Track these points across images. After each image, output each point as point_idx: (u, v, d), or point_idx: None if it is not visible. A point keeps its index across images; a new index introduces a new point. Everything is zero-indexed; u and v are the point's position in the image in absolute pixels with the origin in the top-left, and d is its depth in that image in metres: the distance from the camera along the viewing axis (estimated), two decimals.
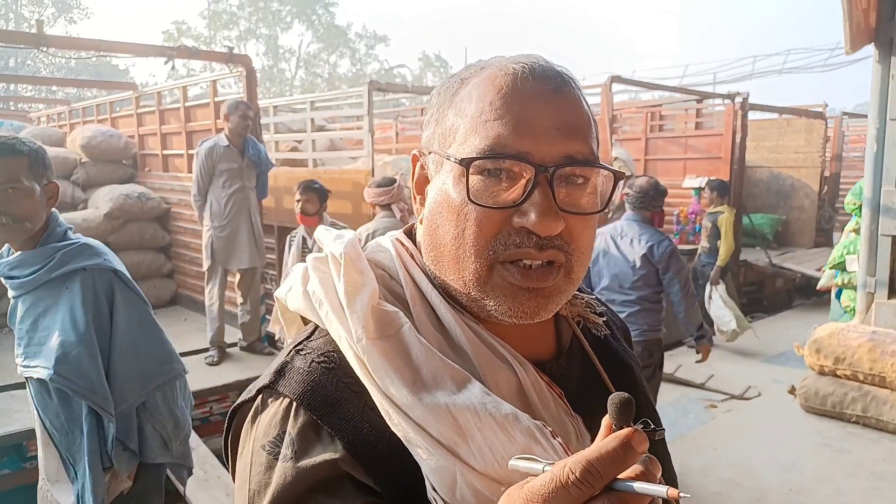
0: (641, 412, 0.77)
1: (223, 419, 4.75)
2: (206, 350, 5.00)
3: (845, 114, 11.68)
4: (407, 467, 0.61)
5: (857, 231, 5.05)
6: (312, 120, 6.50)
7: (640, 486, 0.45)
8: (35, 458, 3.74)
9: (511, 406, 0.62)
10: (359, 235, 3.90)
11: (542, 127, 0.64)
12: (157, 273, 6.59)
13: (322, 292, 0.69)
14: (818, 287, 6.07)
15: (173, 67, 5.43)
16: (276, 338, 5.40)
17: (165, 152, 6.57)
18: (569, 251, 0.66)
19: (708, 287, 6.36)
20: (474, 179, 0.65)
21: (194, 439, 3.71)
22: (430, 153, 0.72)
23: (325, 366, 0.66)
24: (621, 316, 3.24)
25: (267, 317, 5.60)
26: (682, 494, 0.44)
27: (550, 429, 0.62)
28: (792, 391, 4.71)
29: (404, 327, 0.66)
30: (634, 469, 0.46)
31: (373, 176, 5.27)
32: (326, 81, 34.71)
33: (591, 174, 0.67)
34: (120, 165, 6.99)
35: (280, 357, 0.70)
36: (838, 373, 4.33)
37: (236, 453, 0.70)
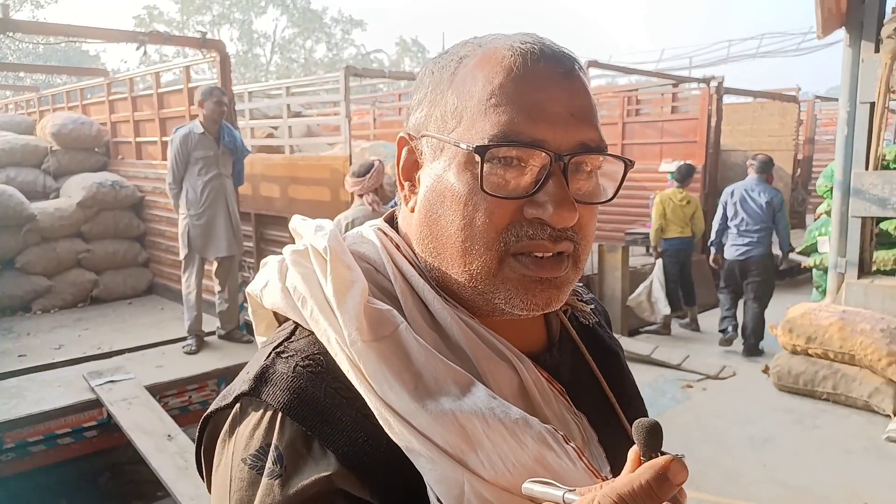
0: (630, 399, 0.79)
1: (202, 408, 4.75)
2: (183, 339, 4.96)
3: (818, 97, 11.85)
4: (408, 478, 0.56)
5: (828, 213, 5.15)
6: (288, 106, 6.44)
7: None
8: (8, 450, 3.71)
9: (519, 410, 0.59)
10: (337, 223, 3.89)
11: (557, 113, 0.61)
12: (132, 262, 6.52)
13: (305, 289, 0.63)
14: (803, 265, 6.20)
15: (145, 53, 5.34)
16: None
17: (139, 140, 6.47)
18: (577, 241, 0.63)
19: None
20: (486, 167, 0.60)
21: (174, 428, 3.70)
22: (422, 137, 0.67)
23: (311, 370, 0.60)
24: (753, 240, 5.14)
25: (245, 305, 5.57)
26: None
27: (562, 433, 0.59)
28: (765, 370, 4.81)
29: (400, 327, 0.60)
30: None
31: (350, 162, 5.24)
32: (302, 67, 34.29)
33: (605, 163, 0.65)
34: (92, 153, 6.87)
35: (258, 360, 0.63)
36: (810, 352, 4.43)
37: (210, 465, 0.64)
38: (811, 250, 5.50)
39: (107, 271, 6.34)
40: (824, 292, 5.11)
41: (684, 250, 6.48)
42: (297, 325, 0.65)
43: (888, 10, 4.40)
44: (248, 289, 0.72)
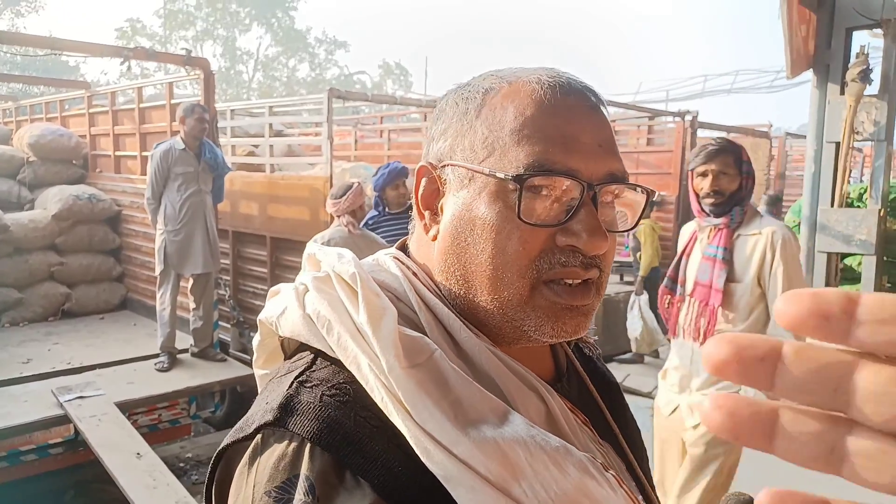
0: (631, 433, 0.80)
1: (172, 426, 4.71)
2: (155, 356, 4.92)
3: (789, 134, 12.17)
4: None
5: None
6: (270, 125, 6.47)
7: None
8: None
9: (558, 438, 0.59)
10: (312, 242, 3.91)
11: (587, 143, 0.63)
12: (106, 276, 6.44)
13: (333, 315, 0.61)
14: None
15: (129, 68, 5.35)
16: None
17: (118, 153, 6.44)
18: (602, 268, 0.65)
19: (632, 297, 6.54)
20: (517, 196, 0.61)
21: (143, 446, 3.66)
22: (444, 166, 0.67)
23: (339, 399, 0.58)
24: None
25: (220, 323, 5.54)
26: None
27: (601, 461, 0.59)
28: None
29: (435, 354, 0.59)
30: None
31: (331, 183, 5.27)
32: (285, 85, 34.37)
33: (626, 192, 0.67)
34: (70, 165, 6.81)
35: (277, 390, 0.61)
36: None
37: (223, 499, 0.61)
38: None
39: (80, 285, 6.26)
40: None
41: (658, 279, 6.59)
42: (316, 356, 0.64)
43: (853, 53, 4.59)
44: (261, 316, 0.70)
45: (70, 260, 6.16)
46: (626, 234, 0.71)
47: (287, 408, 0.58)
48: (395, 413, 0.56)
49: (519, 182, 0.61)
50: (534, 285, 0.62)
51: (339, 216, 4.01)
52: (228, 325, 5.97)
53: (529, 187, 0.61)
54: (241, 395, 5.67)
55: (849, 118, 4.55)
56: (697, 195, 2.67)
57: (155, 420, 4.54)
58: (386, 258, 0.72)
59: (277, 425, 0.57)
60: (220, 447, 0.62)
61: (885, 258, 4.80)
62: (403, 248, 0.75)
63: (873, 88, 4.57)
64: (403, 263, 0.70)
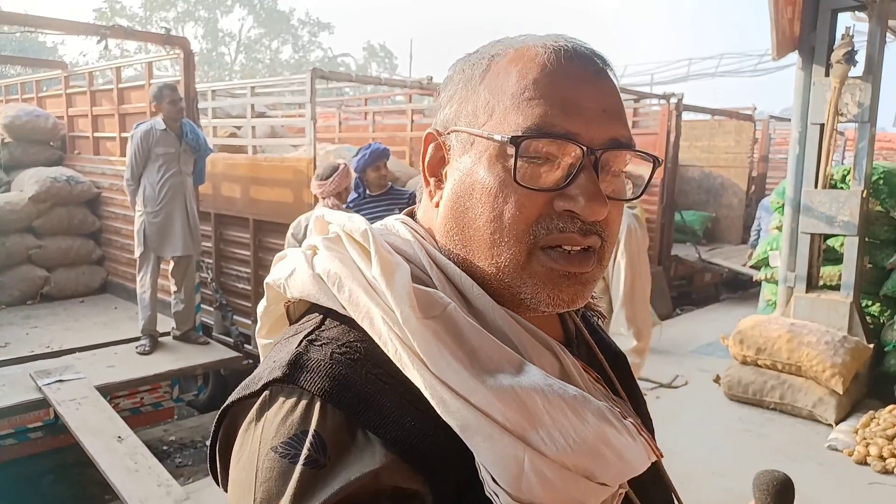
0: (637, 401, 0.81)
1: (154, 409, 4.67)
2: (137, 339, 4.86)
3: (772, 117, 12.23)
4: (457, 464, 0.55)
5: (780, 228, 5.32)
6: (252, 106, 6.37)
7: None
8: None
9: (575, 388, 0.59)
10: (297, 224, 3.88)
11: (589, 108, 0.62)
12: (86, 260, 6.35)
13: (345, 272, 0.62)
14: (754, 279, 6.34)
15: (106, 47, 5.23)
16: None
17: (97, 135, 6.32)
18: (605, 237, 0.64)
19: None
20: (517, 161, 0.61)
21: (124, 429, 3.62)
22: (450, 132, 0.67)
23: (350, 356, 0.58)
24: None
25: (202, 306, 5.48)
26: None
27: (619, 409, 0.59)
28: (717, 380, 4.93)
29: (449, 307, 0.59)
30: None
31: (315, 165, 5.21)
32: (268, 68, 33.94)
33: (627, 161, 0.65)
34: (47, 147, 6.68)
35: (287, 348, 0.60)
36: (759, 362, 4.56)
37: (227, 460, 0.61)
38: (762, 264, 5.67)
39: (59, 268, 6.17)
40: (775, 305, 5.28)
41: None
42: (325, 317, 0.63)
43: (838, 35, 4.58)
44: (269, 279, 0.70)
45: (48, 243, 6.06)
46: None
47: (297, 364, 0.57)
48: (410, 365, 0.56)
49: (515, 144, 0.60)
50: (531, 251, 0.62)
51: (324, 198, 3.96)
52: (211, 308, 5.92)
53: (527, 150, 0.61)
54: (224, 377, 5.63)
55: (833, 100, 4.55)
56: None
57: (137, 403, 4.50)
58: (395, 222, 0.71)
59: (287, 381, 0.57)
60: (225, 404, 0.61)
61: (867, 239, 4.84)
62: (412, 216, 0.74)
63: (858, 70, 4.57)
64: (412, 228, 0.70)
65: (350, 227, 0.66)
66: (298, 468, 0.52)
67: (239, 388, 0.61)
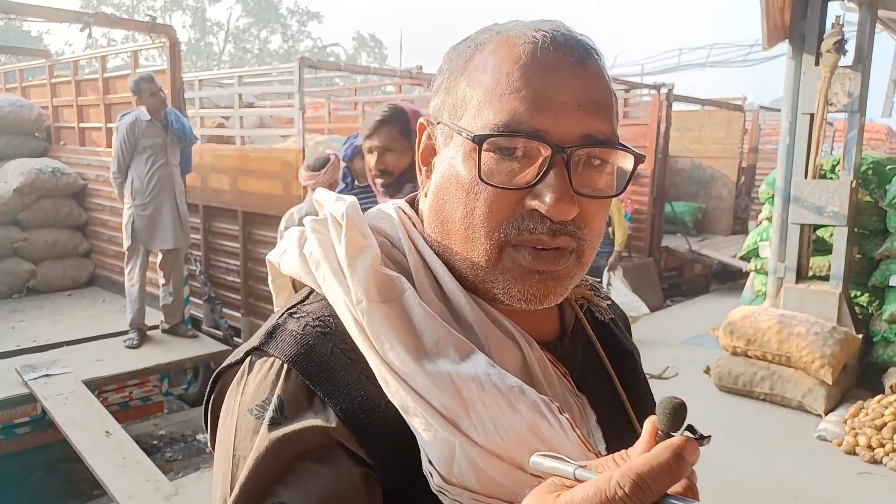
0: (641, 401, 0.80)
1: (144, 404, 4.63)
2: (125, 333, 4.81)
3: (762, 107, 12.25)
4: (403, 441, 0.58)
5: (770, 219, 5.33)
6: (240, 96, 6.30)
7: None
8: None
9: (516, 379, 0.60)
10: (290, 217, 3.86)
11: (563, 103, 0.60)
12: (72, 253, 6.28)
13: (320, 253, 0.65)
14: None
15: (90, 35, 5.15)
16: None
17: (82, 125, 6.24)
18: (581, 237, 0.62)
19: (606, 274, 6.46)
20: (487, 157, 0.61)
21: (112, 424, 3.59)
22: (438, 123, 0.68)
23: (321, 330, 0.62)
24: None
25: (191, 299, 5.44)
26: None
27: (557, 404, 0.60)
28: (707, 371, 4.95)
29: (407, 293, 0.62)
30: (682, 484, 0.43)
31: (303, 155, 5.16)
32: (256, 57, 33.65)
33: (611, 155, 0.63)
34: (32, 138, 6.59)
35: (272, 319, 0.66)
36: (749, 353, 4.57)
37: (217, 421, 0.65)
38: (753, 255, 5.68)
39: (45, 261, 6.10)
40: (764, 296, 5.30)
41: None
42: (311, 291, 0.68)
43: (828, 25, 4.58)
44: (269, 256, 0.74)
45: (34, 236, 5.98)
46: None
47: (272, 334, 0.63)
48: (362, 344, 0.60)
49: (478, 143, 0.60)
50: (501, 248, 0.62)
51: (314, 189, 3.93)
52: (200, 301, 5.87)
53: (500, 148, 0.60)
54: (214, 371, 5.60)
55: (823, 89, 4.55)
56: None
57: (126, 398, 4.46)
58: (389, 207, 0.73)
59: (262, 349, 0.63)
60: (215, 372, 0.67)
61: (856, 229, 4.85)
62: (414, 202, 0.75)
63: (847, 60, 4.57)
64: (406, 213, 0.72)
65: (333, 209, 0.68)
66: (264, 427, 0.58)
67: (230, 356, 0.66)
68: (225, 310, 5.78)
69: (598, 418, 0.70)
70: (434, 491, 0.57)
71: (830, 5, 4.78)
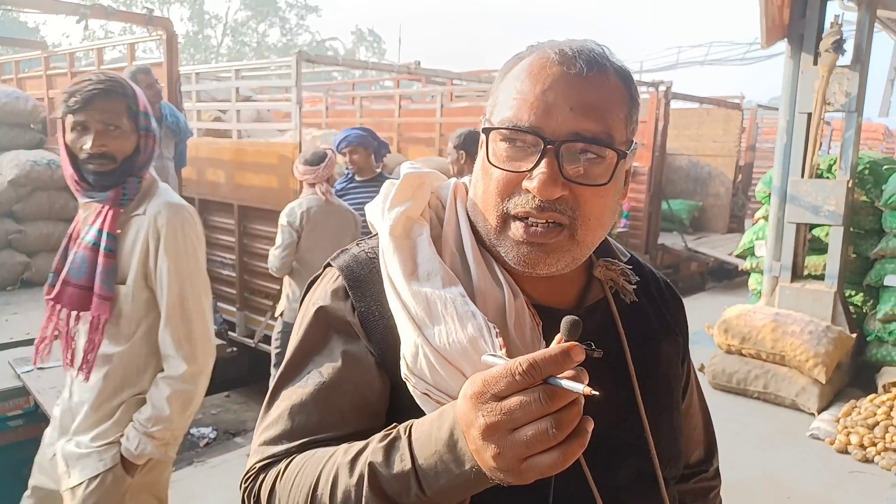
0: (658, 384, 0.91)
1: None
2: None
3: (760, 106, 12.25)
4: (397, 340, 0.76)
5: (766, 218, 5.34)
6: (237, 89, 6.28)
7: (566, 382, 0.56)
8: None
9: (475, 307, 0.74)
10: (291, 212, 3.87)
11: (557, 106, 0.75)
12: None
13: (380, 202, 0.87)
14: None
15: (86, 27, 5.12)
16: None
17: None
18: (573, 216, 0.76)
19: None
20: (500, 146, 0.78)
21: None
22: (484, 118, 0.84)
23: (369, 254, 0.86)
24: None
25: None
26: (594, 392, 0.55)
27: (497, 329, 0.72)
28: (701, 369, 4.96)
29: (422, 235, 0.82)
30: (569, 373, 0.57)
31: (300, 150, 5.15)
32: (255, 51, 33.55)
33: (605, 151, 0.76)
34: (27, 130, 6.55)
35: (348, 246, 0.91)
36: (744, 351, 4.58)
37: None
38: (749, 253, 5.69)
39: (40, 254, 6.06)
40: (759, 294, 5.30)
41: None
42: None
43: (827, 24, 4.57)
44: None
45: (29, 228, 5.95)
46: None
47: (341, 254, 0.89)
48: (381, 264, 0.81)
49: (486, 133, 0.79)
50: (505, 219, 0.78)
51: (312, 184, 3.93)
52: None
53: (509, 139, 0.77)
54: None
55: (821, 89, 4.55)
56: (75, 156, 1.75)
57: None
58: (452, 180, 0.93)
59: (330, 263, 0.88)
60: (309, 280, 0.92)
61: (851, 229, 4.86)
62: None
63: (846, 59, 4.57)
64: (461, 184, 0.90)
65: (402, 169, 0.89)
66: (313, 308, 0.85)
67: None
68: (220, 304, 5.77)
69: (600, 381, 0.80)
70: (402, 377, 0.75)
71: (829, 5, 4.77)
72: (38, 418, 3.85)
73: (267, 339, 5.06)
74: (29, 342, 4.50)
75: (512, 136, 0.76)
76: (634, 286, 0.91)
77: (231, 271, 5.87)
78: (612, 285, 0.90)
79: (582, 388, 0.55)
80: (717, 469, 1.12)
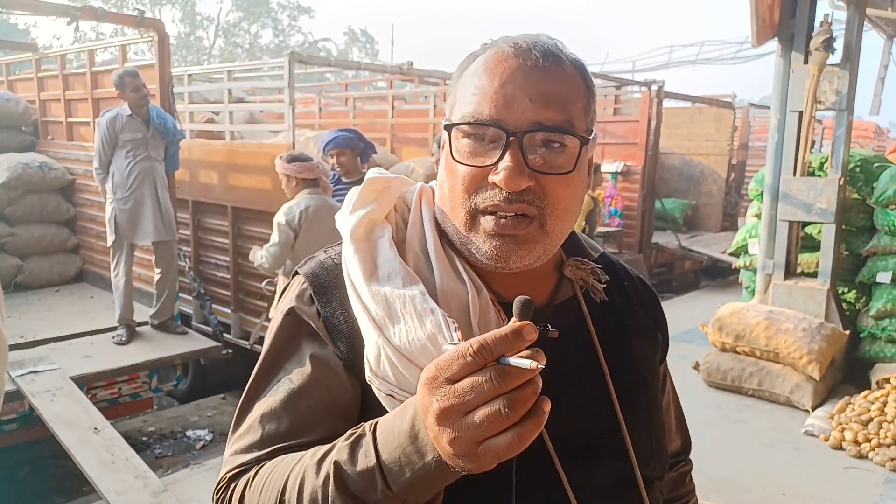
0: (632, 381, 0.90)
1: (133, 401, 4.60)
2: (113, 329, 4.78)
3: (752, 105, 12.30)
4: (361, 346, 0.76)
5: (759, 216, 5.36)
6: (230, 91, 6.26)
7: (513, 360, 0.56)
8: None
9: (436, 305, 0.74)
10: (289, 211, 3.85)
11: (517, 97, 0.74)
12: (60, 248, 6.23)
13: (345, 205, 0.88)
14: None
15: (77, 29, 5.10)
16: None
17: (70, 120, 6.18)
18: (541, 206, 0.76)
19: None
20: (463, 142, 0.77)
21: (101, 420, 3.57)
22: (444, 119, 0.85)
23: (335, 260, 0.85)
24: None
25: (180, 294, 5.41)
26: (540, 367, 0.55)
27: (456, 324, 0.72)
28: (696, 367, 4.98)
29: (383, 237, 0.81)
30: (523, 353, 0.56)
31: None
32: (247, 52, 33.44)
33: (569, 139, 0.76)
34: (18, 132, 6.52)
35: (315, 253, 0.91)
36: (738, 349, 4.60)
37: None
38: (742, 251, 5.72)
39: (32, 257, 6.05)
40: (753, 292, 5.33)
41: None
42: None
43: (817, 23, 4.60)
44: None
45: (21, 231, 5.93)
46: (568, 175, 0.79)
47: (308, 261, 0.88)
48: (343, 266, 0.82)
49: (448, 130, 0.78)
50: (473, 214, 0.78)
51: (314, 180, 3.92)
52: (189, 297, 5.84)
53: (471, 135, 0.76)
54: (204, 367, 5.57)
55: (812, 87, 4.57)
56: None
57: (115, 394, 4.43)
58: (419, 183, 0.92)
59: (298, 270, 0.88)
60: (282, 288, 0.92)
61: (843, 226, 4.89)
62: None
63: (836, 58, 4.60)
64: (426, 187, 0.90)
65: (368, 174, 0.89)
66: (282, 316, 0.85)
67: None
68: (214, 306, 5.75)
69: (571, 384, 0.83)
70: (367, 380, 0.75)
71: (819, 4, 4.80)
72: (32, 422, 3.84)
73: (262, 341, 5.05)
74: (23, 346, 4.48)
75: (474, 131, 0.76)
76: (605, 285, 0.90)
77: (225, 273, 5.86)
78: (583, 284, 0.90)
79: (529, 363, 0.54)
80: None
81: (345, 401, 0.79)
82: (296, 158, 3.94)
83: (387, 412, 0.71)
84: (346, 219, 0.83)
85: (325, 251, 0.89)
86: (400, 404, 0.70)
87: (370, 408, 0.77)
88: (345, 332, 0.80)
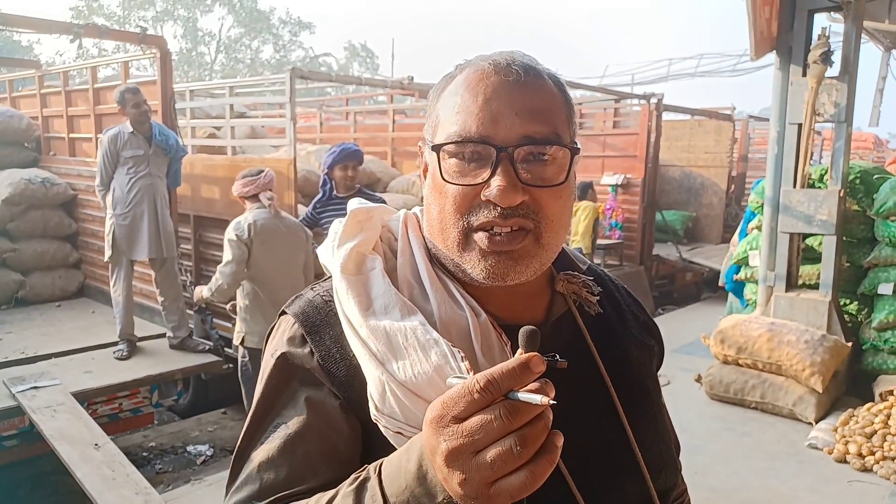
0: (634, 390, 0.90)
1: (134, 416, 4.59)
2: (114, 344, 4.78)
3: (751, 117, 12.35)
4: (361, 381, 0.74)
5: (759, 228, 5.36)
6: (231, 106, 6.30)
7: (522, 395, 0.53)
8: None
9: (438, 335, 0.72)
10: (237, 226, 3.72)
11: (502, 113, 0.74)
12: (62, 263, 6.24)
13: (330, 240, 0.86)
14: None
15: (80, 46, 5.15)
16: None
17: (73, 136, 6.22)
18: (537, 219, 0.75)
19: None
20: (450, 162, 0.76)
21: (101, 436, 3.55)
22: (424, 143, 0.83)
23: (324, 297, 0.83)
24: None
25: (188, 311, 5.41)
26: (551, 402, 0.53)
27: (462, 354, 0.70)
28: (698, 379, 4.96)
29: (375, 269, 0.79)
30: (531, 386, 0.54)
31: (295, 165, 5.17)
32: (248, 67, 33.66)
33: (557, 152, 0.75)
34: (21, 148, 6.56)
35: (303, 291, 0.88)
36: (740, 361, 4.59)
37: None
38: (742, 263, 5.71)
39: (34, 272, 6.06)
40: (755, 304, 5.32)
41: None
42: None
43: (815, 36, 4.63)
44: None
45: (23, 246, 5.94)
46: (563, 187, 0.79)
47: (296, 300, 0.85)
48: (336, 303, 0.79)
49: (436, 150, 0.76)
50: (466, 233, 0.76)
51: (255, 196, 3.79)
52: (191, 312, 5.84)
53: (458, 154, 0.75)
54: (205, 382, 5.55)
55: (810, 100, 4.59)
56: None
57: (116, 409, 4.42)
58: (402, 211, 0.90)
59: (286, 311, 0.84)
60: (267, 331, 0.88)
61: (844, 238, 4.89)
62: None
63: (834, 71, 4.62)
64: (410, 215, 0.88)
65: (350, 206, 0.87)
66: (272, 359, 0.81)
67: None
68: (215, 320, 5.74)
69: (576, 398, 0.80)
70: (372, 419, 0.72)
71: (817, 17, 4.83)
72: (32, 438, 3.82)
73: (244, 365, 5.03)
74: (24, 361, 4.48)
75: (461, 151, 0.75)
76: (597, 297, 0.90)
77: None
78: (576, 298, 0.89)
79: (539, 398, 0.52)
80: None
81: (342, 444, 0.77)
82: (243, 175, 3.83)
83: (392, 449, 0.69)
84: (334, 253, 0.81)
85: (311, 288, 0.86)
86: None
87: (373, 446, 0.75)
88: (341, 370, 0.77)
